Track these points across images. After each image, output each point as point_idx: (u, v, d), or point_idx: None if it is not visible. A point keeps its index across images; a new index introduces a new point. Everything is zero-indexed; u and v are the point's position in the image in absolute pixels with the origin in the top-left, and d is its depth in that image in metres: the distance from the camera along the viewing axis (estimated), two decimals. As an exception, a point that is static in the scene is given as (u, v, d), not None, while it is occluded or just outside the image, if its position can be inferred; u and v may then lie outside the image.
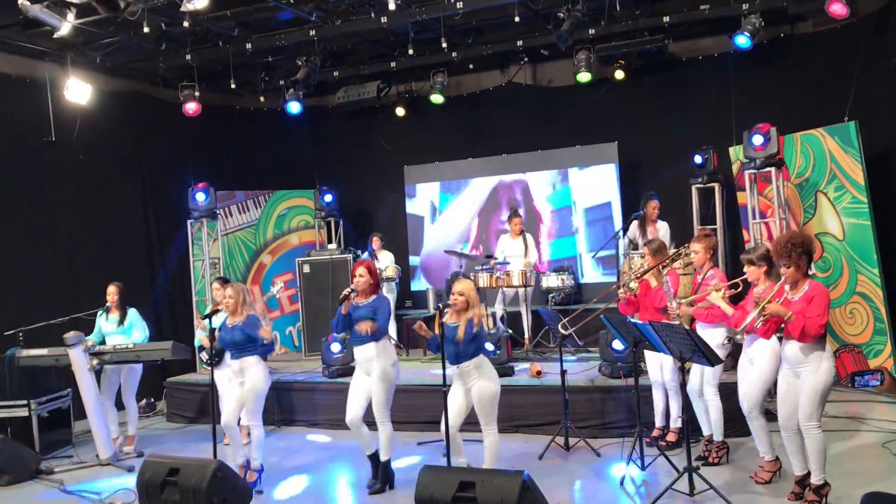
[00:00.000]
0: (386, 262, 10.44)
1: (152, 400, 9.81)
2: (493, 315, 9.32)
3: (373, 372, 6.10)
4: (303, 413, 8.69)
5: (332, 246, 11.12)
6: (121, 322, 7.73)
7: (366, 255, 10.44)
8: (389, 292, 10.41)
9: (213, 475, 5.22)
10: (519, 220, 9.84)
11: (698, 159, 9.47)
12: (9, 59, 9.22)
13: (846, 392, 8.04)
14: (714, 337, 5.88)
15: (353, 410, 6.16)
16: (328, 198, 11.58)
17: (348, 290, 6.20)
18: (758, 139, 8.39)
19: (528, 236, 9.82)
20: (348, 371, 8.36)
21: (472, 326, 5.69)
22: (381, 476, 6.19)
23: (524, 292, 9.47)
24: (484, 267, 9.26)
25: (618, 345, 7.44)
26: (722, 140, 9.58)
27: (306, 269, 10.64)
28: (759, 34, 8.85)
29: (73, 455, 7.62)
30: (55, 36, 7.56)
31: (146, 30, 7.76)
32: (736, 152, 9.38)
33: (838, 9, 8.12)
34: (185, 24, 8.05)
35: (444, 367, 5.62)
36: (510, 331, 9.12)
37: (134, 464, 6.99)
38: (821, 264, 8.57)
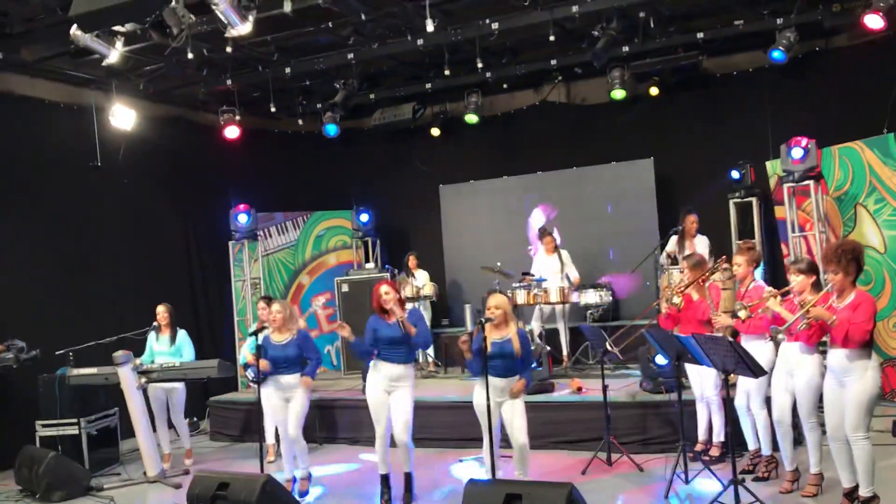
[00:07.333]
0: (423, 280, 10.52)
1: (195, 419, 9.95)
2: (531, 332, 9.34)
3: (397, 391, 6.20)
4: (345, 430, 8.77)
5: (370, 265, 11.24)
6: (172, 342, 7.90)
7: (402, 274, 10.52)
8: (425, 310, 10.49)
9: (262, 489, 5.33)
10: (550, 238, 9.85)
11: (735, 175, 9.45)
12: (58, 88, 9.52)
13: (892, 407, 7.93)
14: (758, 350, 5.85)
15: (386, 426, 6.25)
16: (365, 218, 11.69)
17: (400, 316, 6.14)
18: (796, 152, 8.37)
19: (564, 253, 9.83)
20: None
21: (524, 336, 5.83)
22: (408, 488, 6.35)
23: (562, 309, 9.49)
24: (521, 284, 9.30)
25: (661, 360, 7.41)
26: (758, 155, 9.56)
27: (345, 288, 10.75)
28: (794, 48, 8.85)
29: (120, 472, 7.79)
30: (104, 64, 7.74)
31: (190, 56, 7.95)
32: (773, 167, 9.35)
33: (874, 21, 8.08)
34: (228, 49, 8.24)
35: (486, 382, 5.64)
36: (548, 347, 9.14)
37: (181, 481, 7.11)
38: (862, 277, 8.45)
